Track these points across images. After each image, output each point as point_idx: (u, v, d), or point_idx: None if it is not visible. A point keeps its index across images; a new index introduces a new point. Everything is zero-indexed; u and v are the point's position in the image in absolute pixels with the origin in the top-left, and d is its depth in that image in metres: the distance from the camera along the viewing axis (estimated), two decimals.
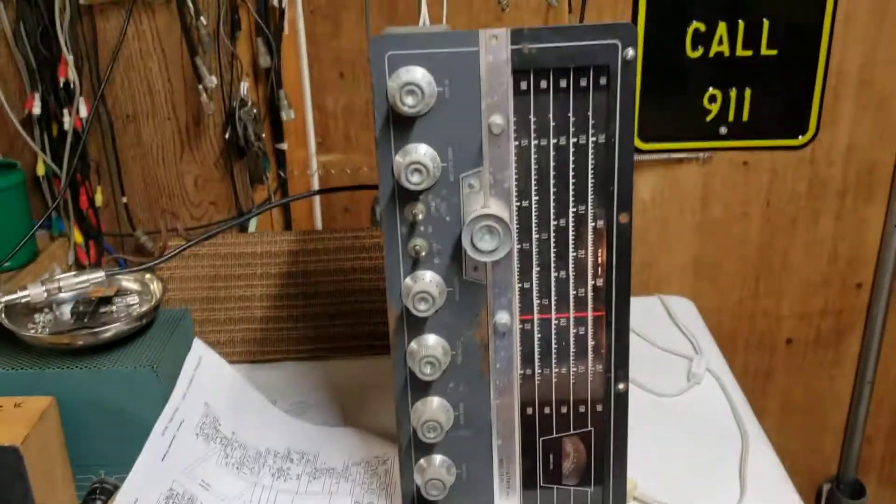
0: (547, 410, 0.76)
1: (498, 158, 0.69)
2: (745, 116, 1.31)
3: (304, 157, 1.30)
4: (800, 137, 1.33)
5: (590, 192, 0.70)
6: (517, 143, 0.69)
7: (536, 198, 0.71)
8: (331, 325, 1.09)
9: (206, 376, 0.85)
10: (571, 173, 0.70)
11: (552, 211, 0.71)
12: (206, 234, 1.06)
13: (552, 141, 0.69)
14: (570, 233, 0.72)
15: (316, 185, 1.31)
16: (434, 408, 0.74)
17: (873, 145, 1.33)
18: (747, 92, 1.30)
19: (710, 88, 1.29)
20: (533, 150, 0.69)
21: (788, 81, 1.29)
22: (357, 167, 1.31)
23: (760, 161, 1.34)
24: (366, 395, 1.00)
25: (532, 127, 0.69)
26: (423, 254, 0.71)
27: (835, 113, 1.31)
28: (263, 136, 1.25)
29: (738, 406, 0.96)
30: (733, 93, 1.30)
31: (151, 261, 0.91)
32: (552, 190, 0.70)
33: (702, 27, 1.26)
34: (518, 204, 0.71)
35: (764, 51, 1.27)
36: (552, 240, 0.72)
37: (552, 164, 0.70)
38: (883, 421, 1.50)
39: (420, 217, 0.70)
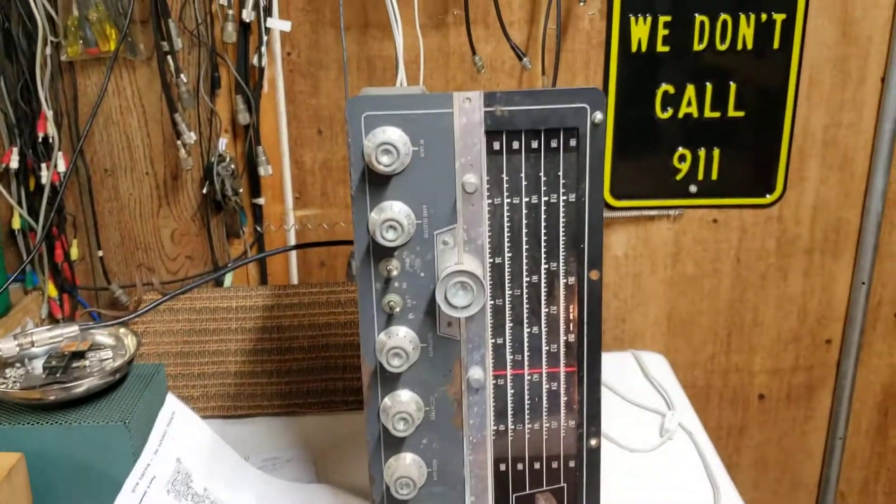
0: (520, 466, 0.76)
1: (471, 216, 0.70)
2: (715, 175, 1.34)
3: (281, 212, 1.31)
4: (767, 196, 1.36)
5: (561, 250, 0.72)
6: (490, 201, 0.71)
7: (509, 254, 0.72)
8: (305, 381, 1.09)
9: (179, 432, 0.85)
10: (543, 231, 0.71)
11: (525, 267, 0.72)
12: (182, 288, 1.06)
13: (524, 199, 0.71)
14: (543, 289, 0.73)
15: (292, 240, 1.32)
16: (407, 464, 0.74)
17: (839, 204, 1.36)
18: (716, 152, 1.33)
19: (680, 148, 1.33)
20: (506, 208, 0.71)
21: (756, 142, 1.33)
22: (334, 222, 1.32)
23: (730, 219, 1.37)
24: (339, 450, 1.00)
25: (505, 186, 0.70)
26: (398, 309, 0.72)
27: (801, 173, 1.35)
28: (241, 191, 1.26)
29: (711, 462, 0.96)
30: (702, 153, 1.33)
31: (126, 315, 0.91)
32: (524, 247, 0.72)
33: (671, 89, 1.30)
34: (491, 260, 0.72)
35: (731, 112, 1.31)
36: (525, 296, 0.73)
37: (524, 221, 0.71)
38: (855, 476, 1.51)
39: (395, 273, 0.71)
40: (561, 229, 0.71)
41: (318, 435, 1.03)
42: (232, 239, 1.30)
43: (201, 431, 0.88)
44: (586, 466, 0.76)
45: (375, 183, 0.69)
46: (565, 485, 0.77)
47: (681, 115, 1.31)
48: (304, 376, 1.10)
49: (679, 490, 0.92)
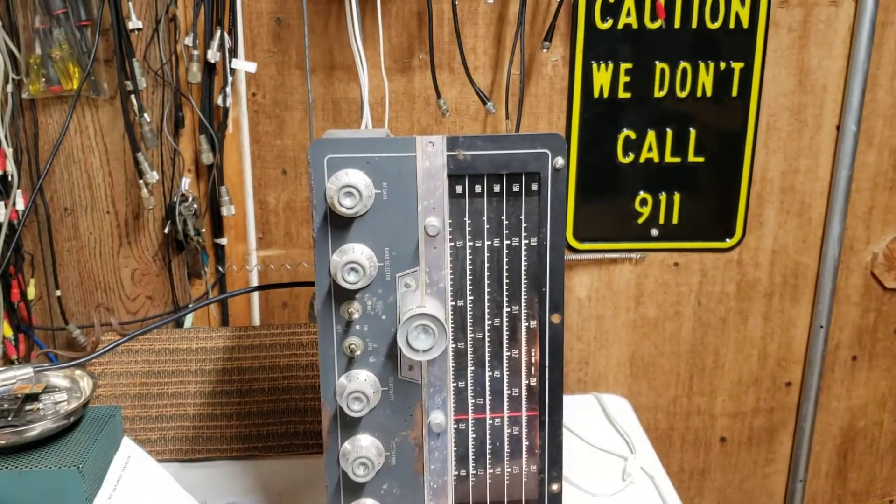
0: None
1: (434, 259, 0.70)
2: (675, 219, 1.36)
3: (244, 252, 1.30)
4: (727, 240, 1.38)
5: (523, 293, 0.72)
6: (452, 244, 0.71)
7: (471, 298, 0.72)
8: (265, 424, 1.08)
9: (135, 476, 0.83)
10: (505, 274, 0.72)
11: (487, 311, 0.72)
12: (141, 329, 1.05)
13: (486, 243, 0.71)
14: (505, 332, 0.73)
15: (255, 280, 1.31)
16: None
17: (797, 249, 1.39)
18: (676, 196, 1.35)
19: (642, 192, 1.34)
20: (468, 251, 0.71)
21: (715, 187, 1.35)
22: (297, 262, 1.31)
23: (691, 262, 1.39)
24: (299, 496, 0.98)
25: (467, 229, 0.71)
26: (359, 352, 0.71)
27: (760, 217, 1.37)
28: (203, 230, 1.25)
29: None
30: (663, 197, 1.35)
31: (83, 356, 0.89)
32: (486, 290, 0.72)
33: (632, 135, 1.32)
34: (453, 303, 0.72)
35: (691, 158, 1.34)
36: (487, 339, 0.73)
37: (486, 265, 0.72)
38: None
39: (356, 316, 0.71)
40: (523, 273, 0.72)
41: (278, 479, 1.02)
42: (193, 279, 1.29)
43: (158, 476, 0.87)
44: None
45: (338, 225, 0.69)
46: None
47: (642, 159, 1.33)
48: (265, 419, 1.08)
49: None
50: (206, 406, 1.08)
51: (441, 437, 0.74)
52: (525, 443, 0.75)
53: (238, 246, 1.30)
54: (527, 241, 0.71)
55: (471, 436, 0.74)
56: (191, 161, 1.25)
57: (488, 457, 0.75)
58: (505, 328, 0.73)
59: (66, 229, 1.27)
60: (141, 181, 1.21)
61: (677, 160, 1.33)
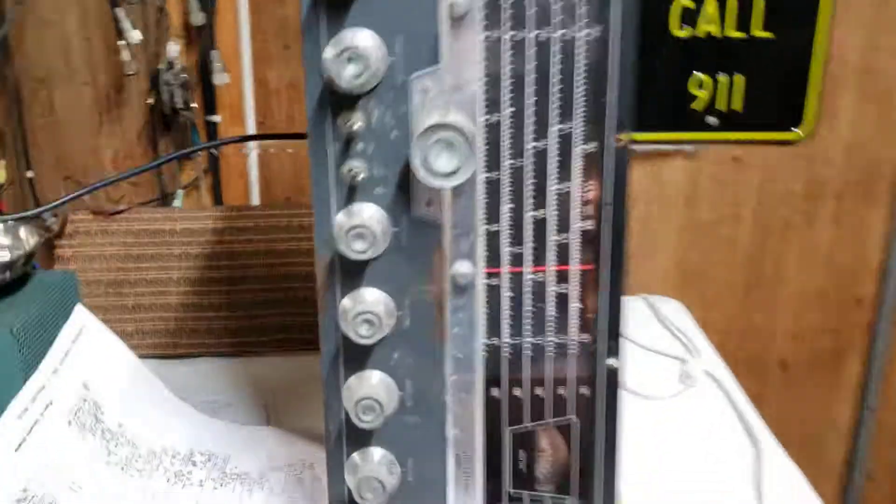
0: (518, 392, 0.60)
1: (460, 54, 0.53)
2: (737, 106, 1.19)
3: (241, 134, 1.14)
4: (795, 130, 1.21)
5: (579, 105, 0.55)
6: (485, 35, 0.54)
7: (511, 110, 0.55)
8: (259, 315, 0.93)
9: (89, 351, 0.68)
10: (555, 79, 0.55)
11: (530, 129, 0.55)
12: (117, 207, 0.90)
13: (530, 35, 0.54)
14: (553, 159, 0.56)
15: (255, 169, 1.15)
16: (373, 383, 0.57)
17: (876, 142, 1.21)
18: (738, 78, 1.18)
19: (698, 73, 1.17)
20: (505, 45, 0.54)
21: (784, 68, 1.18)
22: (301, 147, 1.15)
23: (752, 156, 1.22)
24: (295, 394, 0.84)
25: (504, 14, 0.53)
26: (361, 178, 0.55)
27: (834, 105, 1.19)
28: (193, 105, 1.09)
29: (745, 411, 0.80)
30: (723, 79, 1.17)
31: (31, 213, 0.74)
32: (532, 100, 0.55)
33: (689, 3, 1.14)
34: (486, 118, 0.55)
35: (757, 32, 1.16)
36: (529, 168, 0.56)
37: (530, 65, 0.54)
38: (888, 455, 1.36)
39: (357, 128, 0.54)
40: (579, 77, 0.55)
41: (272, 377, 0.87)
42: (184, 162, 1.13)
43: (120, 355, 0.72)
44: (604, 395, 0.60)
45: (334, 2, 0.52)
46: (576, 419, 0.60)
47: (700, 33, 1.15)
48: (259, 310, 0.93)
49: (708, 444, 0.76)
50: (190, 295, 0.94)
51: (467, 294, 0.57)
52: (575, 304, 0.58)
53: (235, 128, 1.15)
54: (587, 31, 0.54)
55: (505, 294, 0.58)
56: (180, 27, 1.09)
57: (528, 322, 0.58)
58: (555, 153, 0.56)
59: (40, 104, 1.11)
60: (121, 42, 1.05)
61: (741, 35, 1.16)
